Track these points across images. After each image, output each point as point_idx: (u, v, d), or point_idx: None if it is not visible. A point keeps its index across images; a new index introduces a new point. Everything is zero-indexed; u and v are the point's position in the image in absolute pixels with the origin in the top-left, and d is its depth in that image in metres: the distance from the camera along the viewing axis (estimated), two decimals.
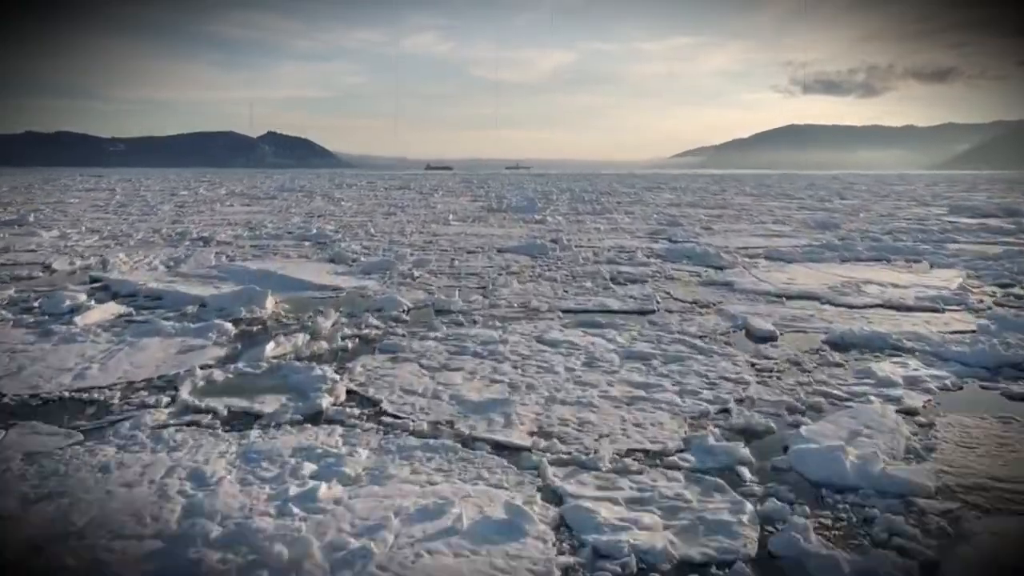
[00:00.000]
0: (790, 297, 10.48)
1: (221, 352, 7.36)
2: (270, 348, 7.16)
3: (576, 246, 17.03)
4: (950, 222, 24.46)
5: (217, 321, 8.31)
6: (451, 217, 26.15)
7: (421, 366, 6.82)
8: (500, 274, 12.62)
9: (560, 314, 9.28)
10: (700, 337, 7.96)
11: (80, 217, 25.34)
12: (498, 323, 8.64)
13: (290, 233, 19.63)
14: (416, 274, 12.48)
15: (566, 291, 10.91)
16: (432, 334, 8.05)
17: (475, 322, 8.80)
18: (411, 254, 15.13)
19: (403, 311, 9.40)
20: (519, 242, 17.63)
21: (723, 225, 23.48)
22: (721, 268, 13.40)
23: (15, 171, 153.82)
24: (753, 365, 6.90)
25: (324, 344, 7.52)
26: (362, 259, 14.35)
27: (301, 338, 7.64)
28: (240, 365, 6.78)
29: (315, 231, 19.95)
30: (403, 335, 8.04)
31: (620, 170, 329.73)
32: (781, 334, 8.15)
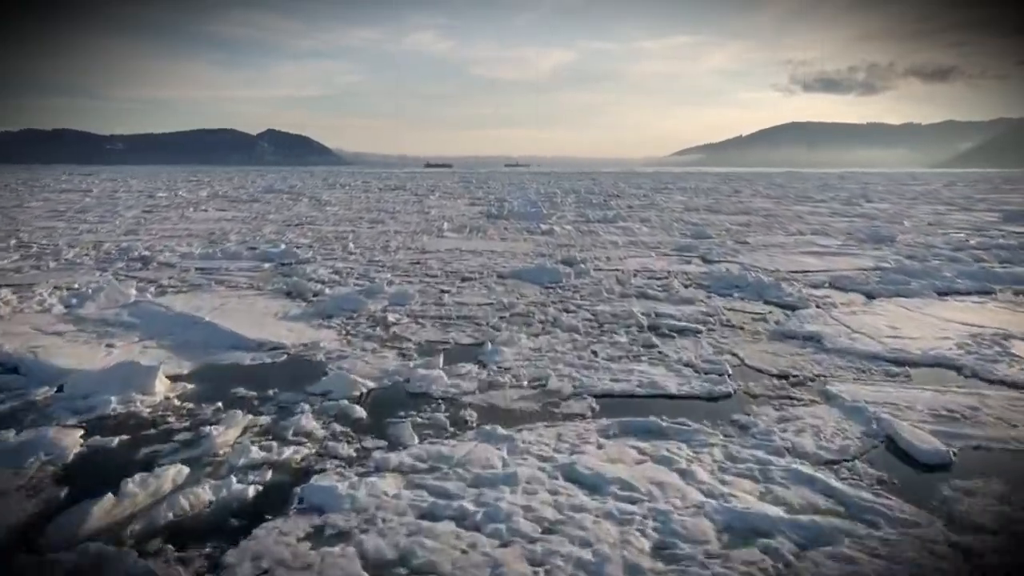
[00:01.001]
0: (913, 364, 7.40)
1: None
2: (77, 520, 4.04)
3: (595, 269, 13.98)
4: (1015, 232, 21.40)
5: (46, 431, 5.23)
6: (446, 226, 23.07)
7: (364, 557, 3.76)
8: (502, 318, 9.55)
9: (593, 403, 6.22)
10: (828, 465, 4.91)
11: (21, 227, 22.25)
12: (501, 428, 5.56)
13: (253, 249, 16.55)
14: (391, 319, 9.40)
15: (594, 352, 7.84)
16: (394, 460, 4.97)
17: (465, 424, 5.74)
18: (390, 283, 12.07)
19: (359, 397, 6.35)
20: (525, 263, 14.58)
21: (758, 237, 20.40)
22: (790, 307, 10.32)
23: (10, 168, 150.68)
24: (967, 552, 3.83)
25: (202, 494, 4.40)
26: (327, 292, 11.30)
27: (160, 480, 4.51)
28: None
29: (283, 247, 16.88)
30: (345, 463, 4.97)
31: (620, 168, 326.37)
32: (955, 458, 5.09)
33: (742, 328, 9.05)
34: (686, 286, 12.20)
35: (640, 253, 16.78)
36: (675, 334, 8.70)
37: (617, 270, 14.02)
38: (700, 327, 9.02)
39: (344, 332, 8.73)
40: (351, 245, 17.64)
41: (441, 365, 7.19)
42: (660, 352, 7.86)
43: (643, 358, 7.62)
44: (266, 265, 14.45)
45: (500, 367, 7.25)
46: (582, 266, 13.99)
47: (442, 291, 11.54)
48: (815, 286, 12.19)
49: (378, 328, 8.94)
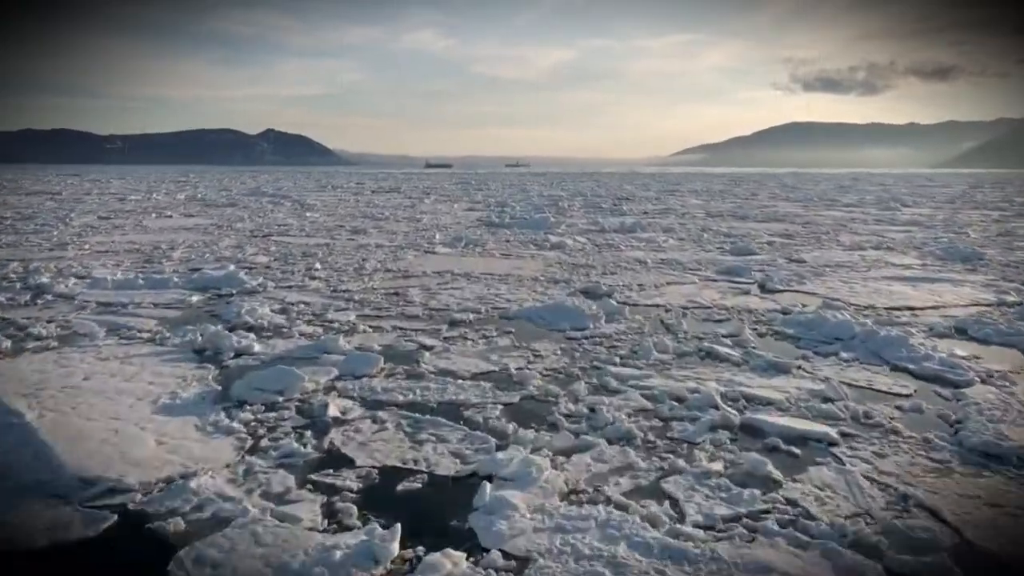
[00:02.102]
0: None
1: None
2: None
3: (628, 303, 10.55)
4: None
5: None
6: (438, 238, 19.64)
7: None
8: (508, 408, 6.11)
9: None
10: None
11: None
12: None
13: (194, 271, 13.13)
14: (334, 412, 5.93)
15: (672, 503, 4.41)
16: None
17: None
18: (349, 332, 8.66)
19: None
20: (535, 295, 11.17)
21: (812, 253, 16.95)
22: (940, 381, 6.88)
23: (5, 168, 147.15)
24: None
25: None
26: (254, 350, 7.88)
27: None
28: None
29: (231, 268, 13.46)
30: None
31: (622, 168, 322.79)
32: None
33: (898, 434, 5.59)
34: (762, 335, 8.77)
35: (678, 277, 13.35)
36: (795, 449, 5.26)
37: (658, 305, 10.59)
38: (829, 430, 5.57)
39: (247, 447, 5.27)
40: (318, 265, 14.20)
41: (395, 553, 3.76)
42: (787, 503, 4.41)
43: (767, 521, 4.17)
44: (195, 297, 11.00)
45: (507, 555, 3.81)
46: (611, 301, 10.55)
47: (421, 347, 8.10)
48: (942, 335, 8.75)
49: (307, 436, 5.48)
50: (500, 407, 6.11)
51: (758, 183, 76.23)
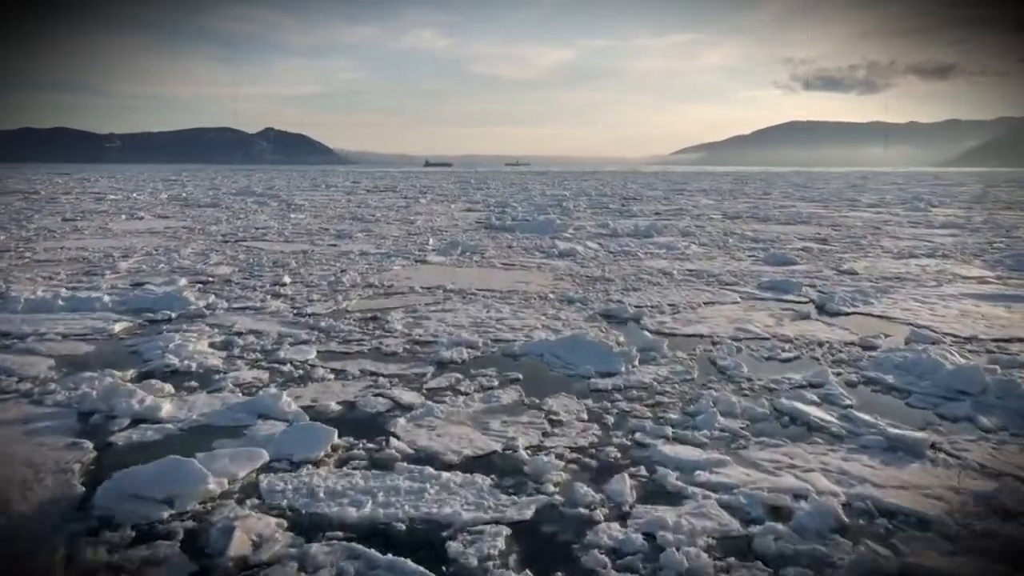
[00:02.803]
0: None
1: None
2: None
3: (664, 331, 8.36)
4: None
5: None
6: (431, 244, 17.43)
7: None
8: (520, 564, 3.88)
9: None
10: None
11: None
12: None
13: (135, 288, 10.95)
14: (228, 560, 3.70)
15: None
16: None
17: None
18: (298, 392, 6.42)
19: None
20: (546, 321, 8.97)
21: (859, 262, 14.72)
22: None
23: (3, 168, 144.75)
24: None
25: None
26: (162, 413, 5.67)
27: None
28: None
29: (181, 283, 11.30)
30: None
31: (623, 167, 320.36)
32: None
33: None
34: (853, 385, 6.56)
35: (714, 293, 11.13)
36: None
37: (701, 336, 8.38)
38: None
39: None
40: (286, 279, 11.98)
41: None
42: None
43: None
44: (120, 325, 8.76)
45: None
46: (642, 331, 8.36)
47: (395, 406, 5.90)
48: None
49: None
50: (503, 536, 3.88)
51: (766, 182, 74.02)
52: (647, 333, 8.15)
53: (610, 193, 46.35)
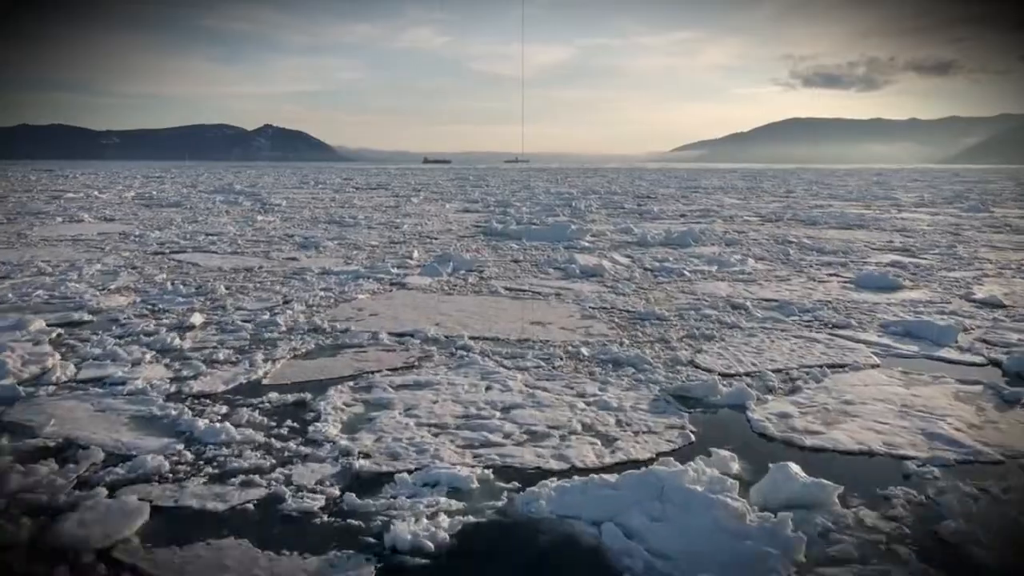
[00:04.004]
0: None
1: None
2: None
3: (805, 445, 4.61)
4: None
5: None
6: (415, 256, 13.72)
7: None
8: None
9: None
10: None
11: None
12: None
13: None
14: None
15: None
16: None
17: None
18: None
19: None
20: (586, 411, 5.19)
21: (986, 283, 10.98)
22: None
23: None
24: None
25: None
26: None
27: None
28: None
29: (33, 328, 7.57)
30: None
31: (623, 164, 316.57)
32: None
33: None
34: None
35: (831, 347, 7.37)
36: None
37: (870, 454, 4.64)
38: None
39: None
40: (196, 319, 8.23)
41: None
42: None
43: None
44: None
45: None
46: (760, 437, 4.66)
47: None
48: None
49: None
50: None
51: (780, 179, 70.28)
52: (794, 468, 4.34)
53: (620, 191, 42.60)
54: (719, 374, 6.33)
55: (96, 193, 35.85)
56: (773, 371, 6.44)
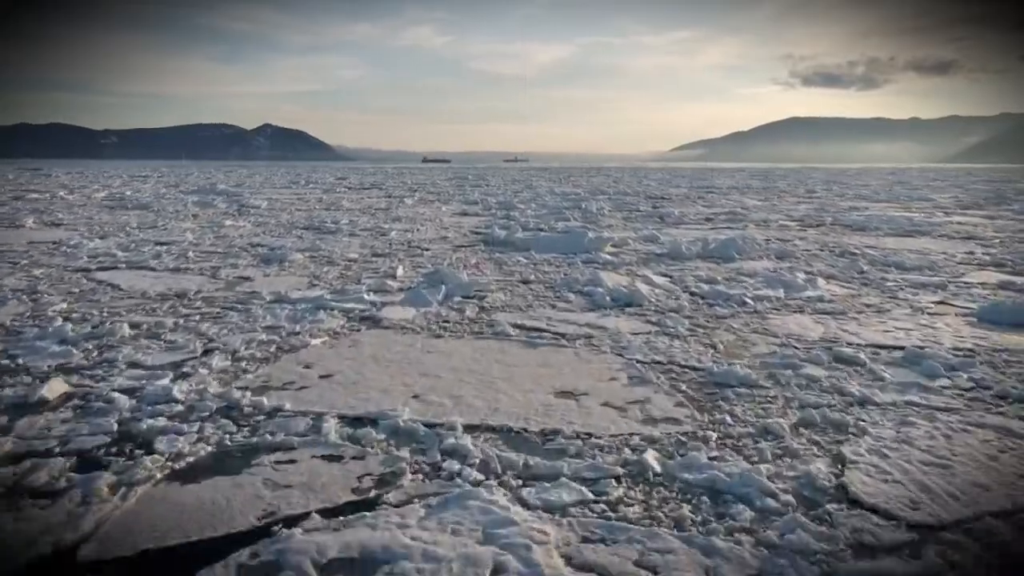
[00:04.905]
0: None
1: None
2: None
3: None
4: None
5: None
6: (399, 275, 10.96)
7: None
8: None
9: None
10: None
11: None
12: None
13: None
14: None
15: None
16: None
17: None
18: None
19: None
20: None
21: None
22: None
23: None
24: None
25: None
26: None
27: None
28: None
29: None
30: None
31: (623, 163, 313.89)
32: None
33: None
34: None
35: (1003, 442, 4.60)
36: None
37: None
38: None
39: None
40: (58, 385, 5.47)
41: None
42: None
43: None
44: None
45: None
46: None
47: None
48: None
49: None
50: None
51: (791, 178, 67.51)
52: None
53: (630, 191, 39.81)
54: (908, 524, 3.56)
55: (63, 194, 33.03)
56: (993, 514, 3.65)
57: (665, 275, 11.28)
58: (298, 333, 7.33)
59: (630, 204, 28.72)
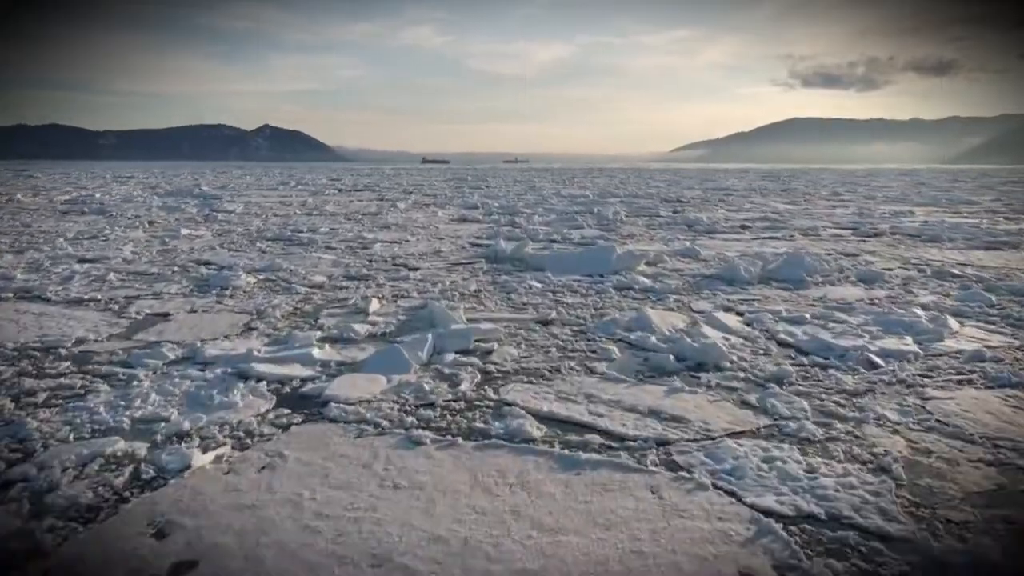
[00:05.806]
0: None
1: None
2: None
3: None
4: None
5: None
6: (370, 313, 8.02)
7: None
8: None
9: None
10: None
11: None
12: None
13: None
14: None
15: None
16: None
17: None
18: None
19: None
20: None
21: None
22: None
23: None
24: None
25: None
26: None
27: None
28: None
29: None
30: None
31: (625, 164, 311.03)
32: None
33: None
34: None
35: None
36: None
37: None
38: None
39: None
40: None
41: None
42: None
43: None
44: None
45: None
46: None
47: None
48: None
49: None
50: None
51: (804, 179, 64.65)
52: None
53: (642, 194, 36.90)
54: None
55: (21, 196, 30.10)
56: None
57: (732, 310, 8.35)
58: (168, 454, 4.33)
59: (647, 208, 25.82)
